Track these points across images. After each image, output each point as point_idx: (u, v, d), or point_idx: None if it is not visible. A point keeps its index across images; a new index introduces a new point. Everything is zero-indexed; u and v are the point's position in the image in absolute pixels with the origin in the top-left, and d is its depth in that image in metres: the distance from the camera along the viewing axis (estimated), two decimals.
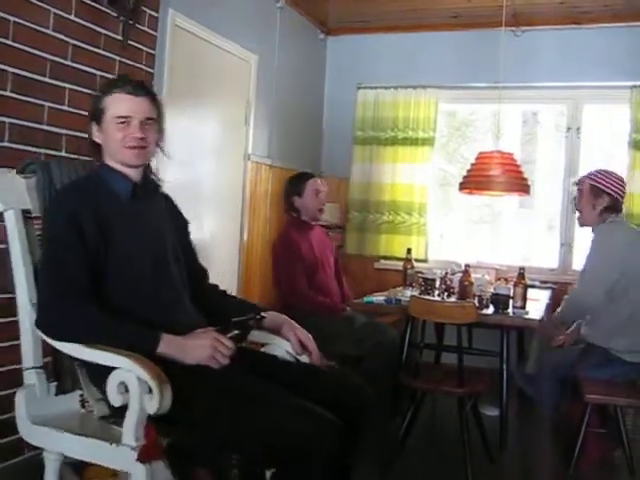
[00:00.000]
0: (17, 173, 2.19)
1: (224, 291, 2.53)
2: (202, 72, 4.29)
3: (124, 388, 1.82)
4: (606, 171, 3.64)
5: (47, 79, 3.04)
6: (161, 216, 2.30)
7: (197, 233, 4.32)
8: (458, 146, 6.16)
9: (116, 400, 1.84)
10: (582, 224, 3.66)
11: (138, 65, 3.61)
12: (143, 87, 2.21)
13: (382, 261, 5.73)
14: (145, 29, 3.65)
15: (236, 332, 2.05)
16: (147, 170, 2.29)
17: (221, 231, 4.64)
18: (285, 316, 2.38)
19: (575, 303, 3.59)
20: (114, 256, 2.05)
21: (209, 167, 4.47)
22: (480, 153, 4.60)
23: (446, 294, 3.92)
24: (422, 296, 3.77)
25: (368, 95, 5.79)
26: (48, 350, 2.08)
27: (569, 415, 3.56)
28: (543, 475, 3.45)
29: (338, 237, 5.70)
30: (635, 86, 5.02)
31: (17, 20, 2.86)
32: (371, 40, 5.82)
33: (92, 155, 2.26)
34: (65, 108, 3.15)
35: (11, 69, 2.86)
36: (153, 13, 3.70)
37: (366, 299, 3.95)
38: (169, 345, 1.92)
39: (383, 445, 3.38)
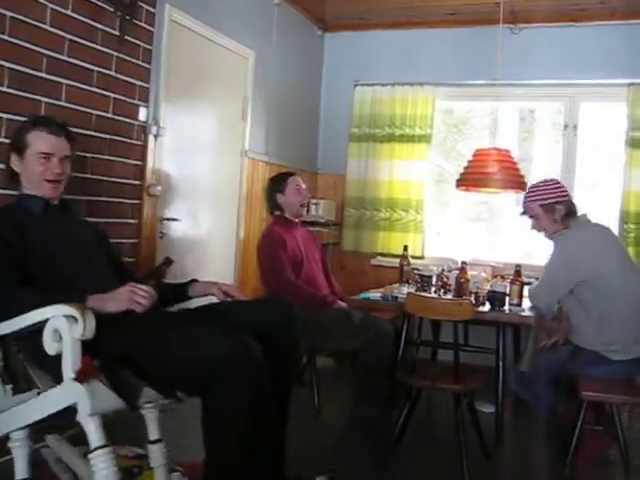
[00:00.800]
0: None
1: None
2: (199, 68, 4.28)
3: (58, 336, 1.97)
4: (542, 184, 3.64)
5: (44, 74, 3.05)
6: (78, 228, 2.59)
7: (194, 229, 4.34)
8: (455, 143, 6.16)
9: (52, 348, 1.98)
10: (550, 239, 3.66)
11: (135, 60, 3.61)
12: (63, 128, 2.51)
13: (378, 258, 5.74)
14: (142, 24, 3.65)
15: (151, 281, 2.33)
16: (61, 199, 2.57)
17: (218, 227, 4.64)
18: (210, 281, 2.65)
19: (531, 302, 3.61)
20: (38, 257, 2.30)
21: (206, 163, 4.46)
22: (477, 150, 4.60)
23: (442, 291, 3.92)
24: (419, 293, 3.77)
25: (365, 92, 5.78)
26: None
27: (565, 414, 3.56)
28: (539, 472, 3.45)
29: (334, 234, 5.70)
30: (632, 84, 5.02)
31: (14, 15, 2.86)
32: (368, 37, 5.82)
33: (9, 184, 2.54)
34: (62, 103, 3.16)
35: (8, 64, 2.86)
36: (150, 8, 3.70)
37: (362, 295, 3.95)
38: (94, 300, 2.10)
39: (379, 442, 3.39)
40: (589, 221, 3.62)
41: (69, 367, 1.97)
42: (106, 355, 2.06)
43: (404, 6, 5.32)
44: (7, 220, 2.35)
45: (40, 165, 2.42)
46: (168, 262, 2.52)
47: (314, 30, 5.86)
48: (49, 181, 2.44)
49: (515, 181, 4.32)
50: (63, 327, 1.96)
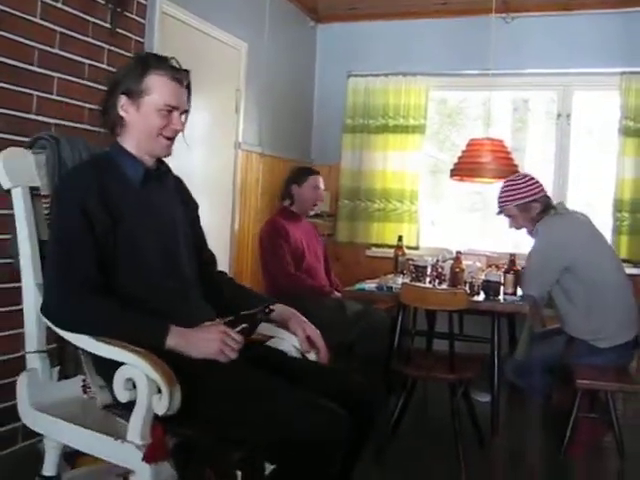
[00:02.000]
0: (26, 148, 2.13)
1: (232, 279, 2.51)
2: (191, 60, 4.21)
3: (132, 384, 1.77)
4: (514, 182, 3.66)
5: (35, 68, 3.02)
6: (172, 202, 2.23)
7: None
8: (449, 133, 6.16)
9: (123, 396, 1.79)
10: (531, 235, 3.67)
11: (127, 53, 3.59)
12: (188, 76, 2.16)
13: (373, 248, 5.74)
14: (133, 17, 3.63)
15: (244, 326, 1.99)
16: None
17: (212, 220, 4.61)
18: (293, 309, 2.30)
19: (523, 292, 3.63)
20: (123, 245, 1.97)
21: (199, 156, 4.45)
22: (471, 140, 4.62)
23: (437, 281, 3.93)
24: (413, 283, 3.78)
25: (358, 83, 5.77)
26: (51, 335, 2.03)
27: (559, 402, 3.59)
28: (534, 460, 3.47)
29: (329, 225, 5.70)
30: (625, 72, 5.03)
31: (4, 8, 2.83)
32: (361, 28, 5.80)
33: (107, 127, 2.12)
34: (54, 97, 3.14)
35: None
36: (141, 1, 3.68)
37: (358, 286, 3.96)
38: (177, 338, 1.86)
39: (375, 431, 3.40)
40: (567, 209, 3.65)
41: (137, 433, 1.76)
42: (183, 433, 1.85)
43: None
44: (96, 187, 1.96)
45: (162, 118, 2.05)
46: (268, 311, 2.14)
47: (307, 21, 5.84)
48: (167, 138, 2.09)
49: (509, 171, 4.32)
50: (143, 388, 1.74)
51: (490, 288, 3.65)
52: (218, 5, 4.45)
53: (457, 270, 3.79)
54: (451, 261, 3.96)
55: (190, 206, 2.38)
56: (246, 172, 4.93)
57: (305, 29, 5.84)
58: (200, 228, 2.40)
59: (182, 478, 1.81)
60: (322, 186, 4.36)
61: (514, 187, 3.63)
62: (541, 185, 3.64)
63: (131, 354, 1.78)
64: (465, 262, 3.91)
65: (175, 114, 2.08)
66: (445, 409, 3.33)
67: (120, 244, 1.97)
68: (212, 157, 4.58)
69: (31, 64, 3.00)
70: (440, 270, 3.97)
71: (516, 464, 3.43)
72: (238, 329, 1.96)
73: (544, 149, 5.60)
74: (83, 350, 1.98)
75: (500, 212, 3.73)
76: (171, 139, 2.11)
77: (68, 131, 3.13)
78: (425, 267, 4.02)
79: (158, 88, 2.03)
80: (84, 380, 2.09)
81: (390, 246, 5.31)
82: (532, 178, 3.66)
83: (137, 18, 3.66)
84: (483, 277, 3.79)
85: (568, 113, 5.38)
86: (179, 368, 1.79)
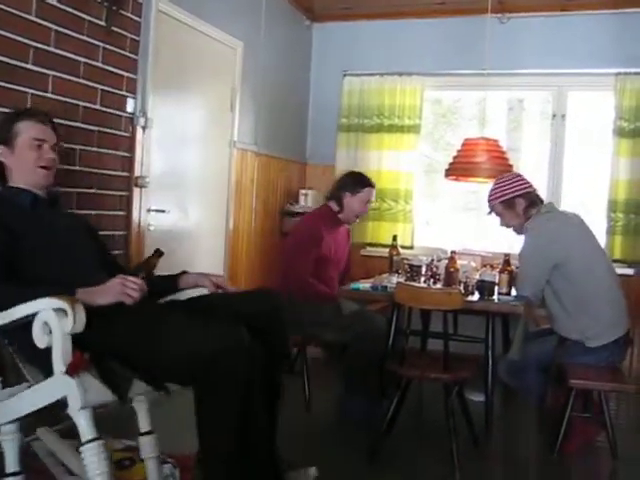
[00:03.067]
0: None
1: None
2: (187, 59, 4.26)
3: (48, 330, 1.96)
4: (499, 181, 3.71)
5: (30, 66, 3.02)
6: (66, 221, 2.55)
7: (182, 221, 4.33)
8: (444, 133, 6.16)
9: (42, 341, 1.97)
10: (520, 233, 3.69)
11: (122, 51, 3.59)
12: (48, 118, 2.52)
13: (368, 248, 5.74)
14: (129, 15, 3.63)
15: (142, 273, 2.33)
16: (49, 188, 2.54)
17: (207, 219, 4.63)
18: (200, 273, 2.66)
19: (518, 294, 3.64)
20: (27, 250, 2.26)
21: (194, 154, 4.45)
22: (466, 140, 4.62)
23: (432, 281, 3.93)
24: (408, 283, 3.78)
25: (354, 82, 5.77)
26: None
27: (553, 402, 3.60)
28: (528, 459, 3.48)
29: None
30: (620, 73, 5.04)
31: None
32: (357, 27, 5.80)
33: None
34: (49, 95, 3.13)
35: None
36: None
37: (352, 286, 3.95)
38: (83, 294, 2.07)
39: (369, 431, 3.41)
40: (556, 209, 3.66)
41: (59, 360, 1.96)
42: (96, 348, 2.06)
43: None
44: None
45: (34, 152, 2.42)
46: (158, 254, 2.49)
47: (302, 20, 5.83)
48: (43, 167, 2.44)
49: (504, 170, 4.31)
50: (53, 320, 1.95)
51: (484, 288, 3.65)
52: (214, 3, 4.45)
53: (452, 270, 3.80)
54: (446, 261, 3.96)
55: (86, 224, 2.72)
56: (241, 171, 4.92)
57: (301, 28, 5.84)
58: (100, 238, 2.74)
59: (104, 378, 2.02)
60: (373, 199, 4.30)
61: (499, 185, 3.68)
62: (527, 182, 3.66)
63: (39, 300, 1.99)
64: (460, 262, 3.90)
65: (45, 147, 2.46)
66: (439, 409, 3.33)
67: (22, 252, 2.25)
68: (207, 155, 4.58)
69: (26, 62, 3.00)
70: (435, 270, 3.98)
71: (510, 464, 3.44)
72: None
73: (539, 149, 5.60)
74: (14, 350, 2.19)
75: (490, 212, 3.76)
76: (47, 168, 2.46)
77: (63, 129, 3.12)
78: (420, 267, 4.02)
79: (26, 129, 2.43)
80: (29, 386, 2.17)
81: (385, 246, 5.31)
82: (518, 176, 3.70)
83: (132, 16, 3.65)
84: (477, 277, 3.79)
85: (563, 113, 5.39)
86: (90, 315, 1.99)
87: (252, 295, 2.57)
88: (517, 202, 3.61)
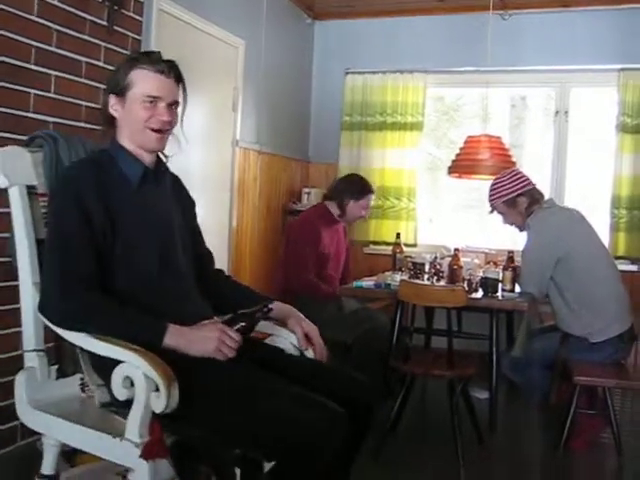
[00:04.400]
0: (22, 146, 2.11)
1: (229, 277, 2.50)
2: (189, 58, 4.25)
3: (129, 382, 1.77)
4: (499, 179, 3.70)
5: (32, 66, 3.02)
6: (168, 202, 2.21)
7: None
8: (446, 130, 6.15)
9: (121, 394, 1.79)
10: (522, 230, 3.69)
11: (123, 51, 3.59)
12: (174, 67, 2.13)
13: (371, 246, 5.74)
14: (130, 14, 3.62)
15: (243, 324, 1.99)
16: (158, 153, 2.19)
17: (210, 218, 4.62)
18: (291, 307, 2.31)
19: (522, 290, 3.63)
20: (121, 243, 1.96)
21: (197, 154, 4.44)
22: (468, 137, 4.62)
23: (435, 278, 3.93)
24: (412, 280, 3.78)
25: (356, 80, 5.77)
26: (49, 333, 2.02)
27: (558, 398, 3.59)
28: (532, 456, 3.48)
29: None
30: (623, 69, 5.03)
31: (0, 7, 2.83)
32: (359, 25, 5.80)
33: (105, 127, 2.13)
34: (51, 95, 3.13)
35: None
36: None
37: (356, 284, 3.95)
38: (175, 336, 1.86)
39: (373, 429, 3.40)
40: (555, 204, 3.66)
41: (136, 431, 1.76)
42: (181, 430, 1.85)
43: None
44: (93, 186, 1.95)
45: (145, 110, 2.03)
46: (266, 310, 2.12)
47: (304, 18, 5.83)
48: (154, 130, 2.06)
49: (506, 167, 4.31)
50: (141, 386, 1.74)
51: (488, 285, 3.65)
52: (215, 2, 4.45)
53: (455, 267, 3.79)
54: (449, 258, 3.96)
55: (187, 205, 2.37)
56: (244, 170, 4.92)
57: (302, 26, 5.84)
58: (197, 226, 2.41)
59: (180, 475, 1.80)
60: (371, 204, 4.33)
61: (500, 184, 3.66)
62: (527, 179, 3.65)
63: (129, 352, 1.78)
64: (463, 259, 3.90)
65: (160, 105, 2.06)
66: (444, 406, 3.33)
67: (116, 243, 1.96)
68: (210, 155, 4.58)
69: (28, 62, 3.00)
70: (438, 267, 3.97)
71: (515, 461, 3.44)
72: (236, 327, 1.96)
73: (542, 146, 5.60)
74: (81, 348, 1.97)
75: (492, 211, 3.75)
76: (159, 131, 2.08)
77: (65, 129, 3.13)
78: (423, 264, 4.01)
79: (139, 81, 2.03)
80: (82, 379, 2.09)
81: (388, 243, 5.32)
82: (517, 173, 3.68)
83: (134, 15, 3.65)
84: (481, 274, 3.79)
85: (566, 110, 5.38)
86: (177, 366, 1.78)
87: (350, 381, 2.14)
88: (519, 201, 3.60)
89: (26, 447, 2.89)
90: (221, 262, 4.66)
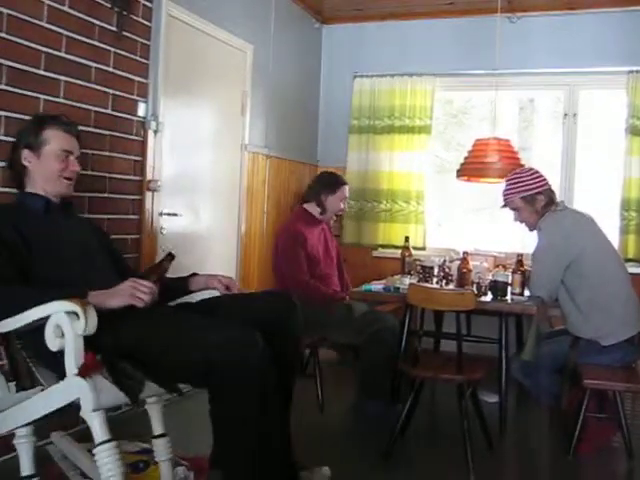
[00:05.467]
0: None
1: None
2: (198, 62, 4.28)
3: (60, 332, 1.98)
4: (520, 175, 3.65)
5: (42, 71, 3.04)
6: (80, 226, 2.58)
7: (195, 225, 4.34)
8: (455, 133, 6.15)
9: (54, 344, 1.99)
10: (532, 229, 3.66)
11: (133, 56, 3.61)
12: (75, 127, 2.56)
13: (380, 249, 5.74)
14: (139, 19, 3.65)
15: (154, 277, 2.32)
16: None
17: (219, 222, 4.64)
18: (210, 274, 2.65)
19: (532, 294, 3.62)
20: (38, 256, 2.29)
21: (206, 158, 4.46)
22: (477, 140, 4.61)
23: (444, 281, 3.92)
24: (421, 284, 3.77)
25: (364, 83, 5.77)
26: (1, 353, 2.23)
27: (568, 402, 3.58)
28: (542, 461, 3.46)
29: (335, 226, 5.68)
30: (632, 71, 5.01)
31: (11, 12, 2.85)
32: (366, 28, 5.81)
33: (14, 180, 2.51)
34: (61, 100, 3.15)
35: (6, 62, 2.86)
36: (147, 3, 3.70)
37: (365, 287, 3.95)
38: (94, 296, 2.09)
39: (383, 433, 3.40)
40: (567, 207, 3.65)
41: (72, 363, 1.98)
42: (108, 350, 2.07)
43: None
44: (7, 220, 2.33)
45: (60, 163, 2.44)
46: (170, 257, 2.49)
47: (312, 22, 5.84)
48: (66, 178, 2.47)
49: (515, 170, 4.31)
50: (65, 323, 1.97)
51: (497, 288, 3.64)
52: (224, 7, 4.46)
53: (464, 270, 3.79)
54: (458, 261, 3.95)
55: (100, 234, 2.73)
56: (252, 174, 4.93)
57: (310, 30, 5.85)
58: (116, 249, 2.75)
59: (116, 380, 2.02)
60: (347, 197, 4.38)
61: (520, 179, 3.62)
62: (546, 179, 3.64)
63: (50, 303, 2.01)
64: (472, 262, 3.90)
65: (71, 158, 2.48)
66: (453, 410, 3.32)
67: (33, 256, 2.28)
68: (219, 159, 4.59)
69: (38, 67, 3.02)
70: (447, 270, 3.97)
71: (524, 465, 3.42)
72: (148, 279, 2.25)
73: (551, 149, 5.58)
74: (30, 357, 2.21)
75: (505, 205, 3.72)
76: (70, 179, 2.49)
77: None
78: (432, 268, 4.01)
79: (53, 138, 2.44)
80: (42, 389, 2.19)
81: (397, 247, 5.32)
82: (537, 172, 3.66)
83: (143, 21, 3.67)
84: (490, 277, 3.78)
85: (575, 112, 5.37)
86: (101, 318, 2.00)
87: (265, 297, 2.57)
88: (538, 199, 3.57)
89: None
90: (229, 266, 4.70)
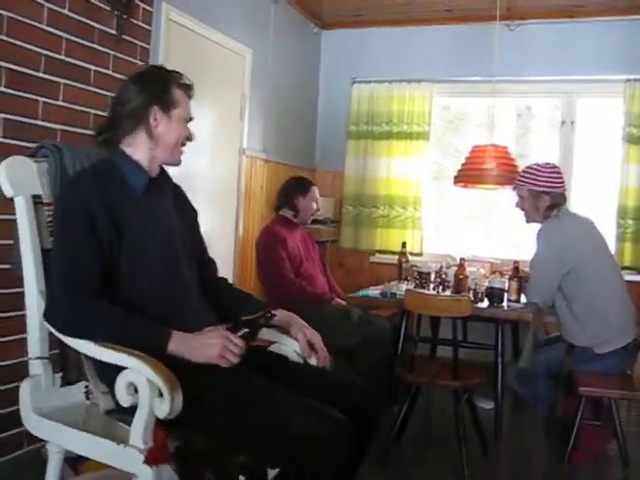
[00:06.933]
0: (28, 156, 2.12)
1: (232, 284, 2.51)
2: (196, 66, 4.28)
3: (133, 389, 1.78)
4: (538, 168, 3.64)
5: (41, 74, 3.04)
6: (171, 210, 2.22)
7: None
8: (452, 140, 6.16)
9: (125, 401, 1.80)
10: (528, 221, 3.67)
11: (132, 59, 3.61)
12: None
13: (377, 255, 5.75)
14: (139, 23, 3.65)
15: (246, 330, 2.01)
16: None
17: (216, 226, 4.64)
18: (293, 314, 2.32)
19: (528, 300, 3.62)
20: (126, 251, 1.97)
21: (204, 162, 4.46)
22: (474, 147, 4.62)
23: (441, 288, 3.93)
24: (417, 290, 3.78)
25: (362, 89, 5.79)
26: (54, 341, 2.03)
27: (564, 409, 3.58)
28: (537, 467, 3.47)
29: (332, 231, 5.71)
30: (629, 80, 5.03)
31: (11, 15, 2.85)
32: (365, 34, 5.82)
33: (115, 134, 2.10)
34: (60, 103, 3.15)
35: (5, 64, 2.85)
36: (147, 7, 3.70)
37: (362, 292, 3.96)
38: (179, 343, 1.87)
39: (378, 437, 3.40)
40: (568, 211, 3.65)
41: (139, 437, 1.77)
42: (185, 436, 1.86)
43: (401, 3, 5.33)
44: (100, 193, 1.96)
45: (185, 129, 2.17)
46: (269, 317, 2.17)
47: (311, 27, 5.85)
48: (182, 147, 2.20)
49: (512, 177, 4.31)
50: (144, 393, 1.76)
51: (494, 295, 3.65)
52: (223, 12, 4.47)
53: (461, 277, 3.80)
54: (455, 268, 3.96)
55: (189, 213, 2.38)
56: (250, 178, 4.94)
57: (309, 35, 5.86)
58: (200, 234, 2.41)
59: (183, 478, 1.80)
60: (319, 198, 4.42)
61: (536, 172, 3.60)
62: (561, 183, 3.60)
63: (133, 358, 1.79)
64: (469, 269, 3.91)
65: (190, 126, 2.21)
66: (449, 416, 3.32)
67: (123, 251, 1.97)
68: (217, 163, 4.60)
69: (37, 70, 3.02)
70: (444, 277, 3.98)
71: (519, 471, 3.43)
72: (239, 334, 1.97)
73: (548, 156, 5.58)
74: (85, 356, 1.99)
75: (515, 188, 3.73)
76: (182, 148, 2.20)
77: (74, 137, 3.15)
78: (429, 274, 4.02)
79: (182, 102, 2.14)
80: (87, 386, 2.10)
81: (394, 252, 5.32)
82: (557, 172, 3.64)
83: (143, 25, 3.68)
84: (487, 284, 3.79)
85: (572, 120, 5.39)
86: (181, 373, 1.79)
87: (353, 388, 2.17)
88: (543, 197, 3.57)
89: (32, 453, 2.90)
90: (226, 270, 4.69)
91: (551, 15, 5.22)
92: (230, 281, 2.52)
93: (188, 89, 2.18)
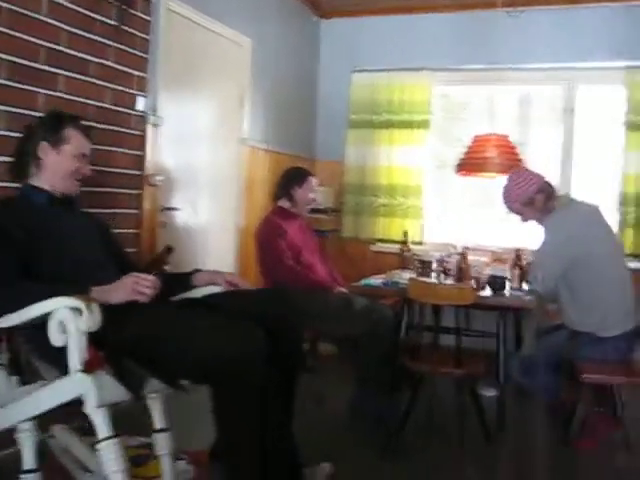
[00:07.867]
0: None
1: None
2: (197, 56, 4.27)
3: (63, 328, 1.99)
4: (510, 183, 3.64)
5: (41, 66, 3.03)
6: (82, 221, 2.58)
7: (194, 219, 4.34)
8: (453, 128, 6.14)
9: (58, 340, 2.00)
10: (541, 223, 3.67)
11: (132, 50, 3.60)
12: (89, 131, 2.62)
13: (379, 244, 5.75)
14: (139, 14, 3.64)
15: (155, 270, 2.33)
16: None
17: (218, 216, 4.65)
18: (217, 270, 2.69)
19: (530, 287, 3.63)
20: (42, 253, 2.28)
21: (205, 152, 4.46)
22: (476, 135, 4.61)
23: (443, 276, 3.93)
24: (420, 278, 3.78)
25: (363, 78, 5.77)
26: (3, 348, 2.23)
27: (567, 398, 3.59)
28: (541, 454, 3.48)
29: (334, 221, 5.71)
30: (630, 67, 5.02)
31: (10, 7, 2.85)
32: (365, 23, 5.80)
33: (18, 170, 2.48)
34: (60, 95, 3.15)
35: (5, 56, 2.85)
36: None
37: (364, 282, 3.96)
38: (98, 291, 2.11)
39: (382, 426, 3.41)
40: (572, 200, 3.64)
41: (75, 359, 1.99)
42: (111, 346, 2.08)
43: None
44: (11, 215, 2.33)
45: (76, 164, 2.48)
46: (169, 250, 2.51)
47: (310, 16, 5.83)
48: (77, 180, 2.52)
49: (514, 165, 4.32)
50: (68, 319, 1.98)
51: (496, 283, 3.65)
52: (223, 2, 4.46)
53: (463, 265, 3.80)
54: (456, 256, 3.96)
55: (103, 229, 2.73)
56: (251, 168, 4.93)
57: (309, 24, 5.84)
58: (118, 242, 2.79)
59: (119, 376, 2.04)
60: (317, 187, 4.41)
61: (513, 189, 3.60)
62: (536, 177, 3.60)
63: (53, 299, 2.01)
64: (471, 257, 3.91)
65: (85, 162, 2.53)
66: (452, 404, 3.33)
67: (40, 254, 2.27)
68: (218, 153, 4.59)
69: (37, 62, 3.01)
70: (446, 265, 3.98)
71: (523, 459, 3.44)
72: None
73: (549, 143, 5.58)
74: (31, 351, 2.24)
75: (509, 211, 3.74)
76: (79, 181, 2.54)
77: None
78: (430, 262, 4.03)
79: (75, 139, 2.49)
80: (45, 382, 2.21)
81: (395, 241, 5.33)
82: (523, 173, 3.64)
83: (142, 15, 3.67)
84: (489, 272, 3.79)
85: (573, 107, 5.38)
86: (105, 313, 2.02)
87: (266, 294, 2.59)
88: (536, 198, 3.56)
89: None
90: (228, 260, 4.71)
91: (552, 2, 5.20)
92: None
93: (81, 129, 2.53)
